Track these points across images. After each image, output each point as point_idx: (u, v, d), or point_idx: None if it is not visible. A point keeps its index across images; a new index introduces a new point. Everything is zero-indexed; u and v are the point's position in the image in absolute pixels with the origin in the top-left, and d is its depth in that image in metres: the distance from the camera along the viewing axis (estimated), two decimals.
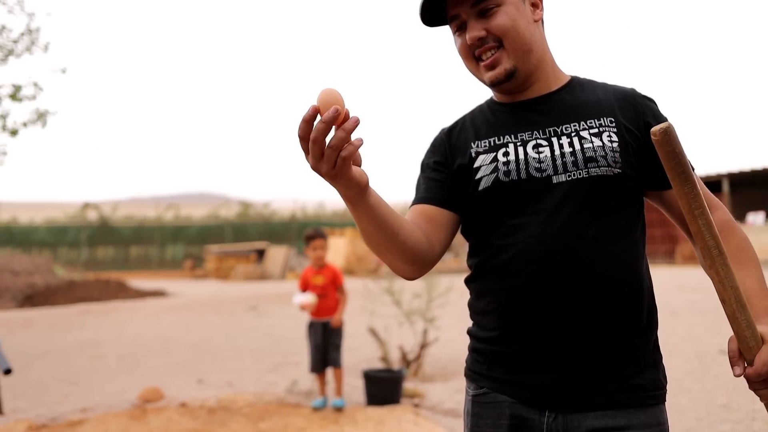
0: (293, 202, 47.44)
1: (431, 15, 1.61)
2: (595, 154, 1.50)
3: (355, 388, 6.28)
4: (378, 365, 6.80)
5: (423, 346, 6.79)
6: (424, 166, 1.67)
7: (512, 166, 1.52)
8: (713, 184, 25.45)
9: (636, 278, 1.50)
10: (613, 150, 1.50)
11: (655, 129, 1.31)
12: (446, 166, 1.62)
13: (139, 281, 24.86)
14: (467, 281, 1.66)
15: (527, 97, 1.62)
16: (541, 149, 1.53)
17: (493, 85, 1.58)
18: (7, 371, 4.71)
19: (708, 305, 10.58)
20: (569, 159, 1.50)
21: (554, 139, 1.54)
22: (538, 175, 1.50)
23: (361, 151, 1.24)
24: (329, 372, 6.09)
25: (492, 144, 1.58)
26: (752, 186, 26.36)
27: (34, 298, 18.23)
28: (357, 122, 1.15)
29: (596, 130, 1.53)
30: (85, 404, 6.03)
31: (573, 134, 1.54)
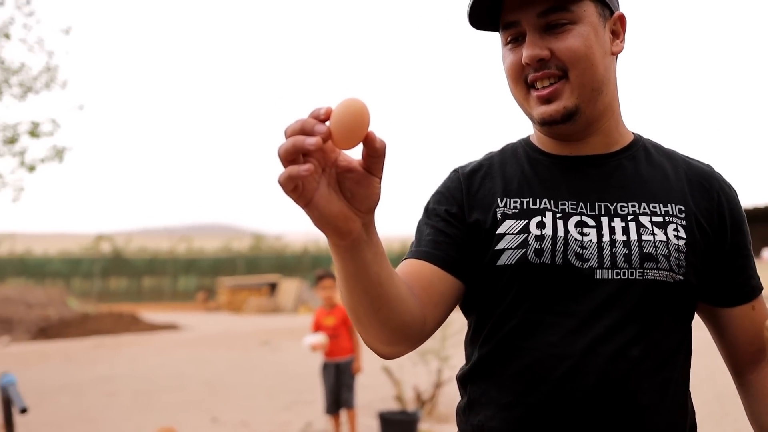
0: (305, 234, 47.46)
1: (482, 15, 1.25)
2: (656, 251, 1.17)
3: (369, 428, 6.24)
4: (392, 404, 6.77)
5: (437, 385, 6.76)
6: (431, 212, 1.29)
7: (547, 244, 1.18)
8: None
9: (682, 412, 1.21)
10: (678, 249, 1.18)
11: None
12: (461, 220, 1.26)
13: (151, 313, 24.89)
14: (460, 380, 1.32)
15: (579, 152, 1.27)
16: (586, 230, 1.19)
17: (543, 123, 1.22)
18: (23, 410, 4.74)
19: None
20: (620, 251, 1.17)
21: (604, 220, 1.20)
22: (578, 263, 1.16)
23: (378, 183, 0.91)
24: (343, 412, 6.07)
25: (524, 207, 1.22)
26: (767, 221, 26.17)
27: (47, 330, 18.26)
28: (324, 119, 0.85)
29: (660, 219, 1.21)
30: None
31: (630, 218, 1.20)
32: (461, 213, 1.26)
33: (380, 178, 0.90)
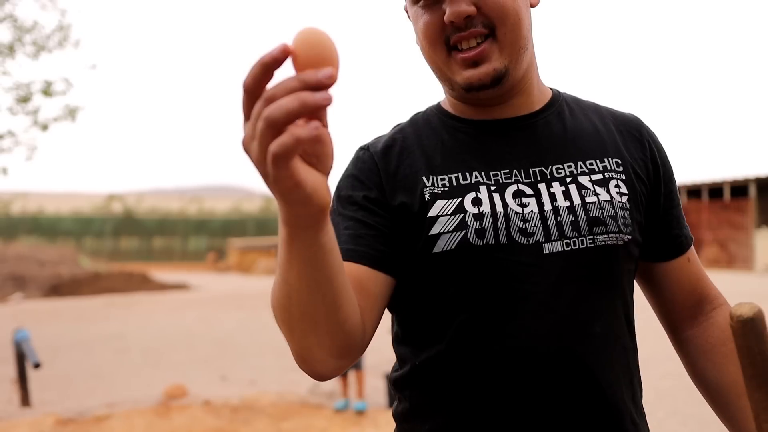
0: None
1: None
2: (602, 213, 1.06)
3: (376, 389, 6.32)
4: None
5: None
6: (345, 200, 1.09)
7: (487, 222, 1.04)
8: (740, 188, 25.14)
9: (636, 378, 1.13)
10: (623, 207, 1.09)
11: (736, 313, 0.94)
12: (382, 205, 1.08)
13: (162, 273, 25.13)
14: (396, 384, 1.15)
15: (502, 116, 1.13)
16: (524, 200, 1.07)
17: (470, 89, 1.07)
18: (37, 365, 4.83)
19: None
20: (566, 218, 1.06)
21: (542, 186, 1.08)
22: (523, 239, 1.04)
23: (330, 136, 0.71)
24: (351, 373, 6.15)
25: (454, 184, 1.08)
26: None
27: (59, 288, 18.52)
28: (333, 78, 0.65)
29: (600, 177, 1.10)
30: (111, 399, 6.14)
31: (569, 180, 1.09)
32: (382, 197, 1.08)
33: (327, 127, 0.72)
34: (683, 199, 26.55)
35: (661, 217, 1.17)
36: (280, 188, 0.70)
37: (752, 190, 24.49)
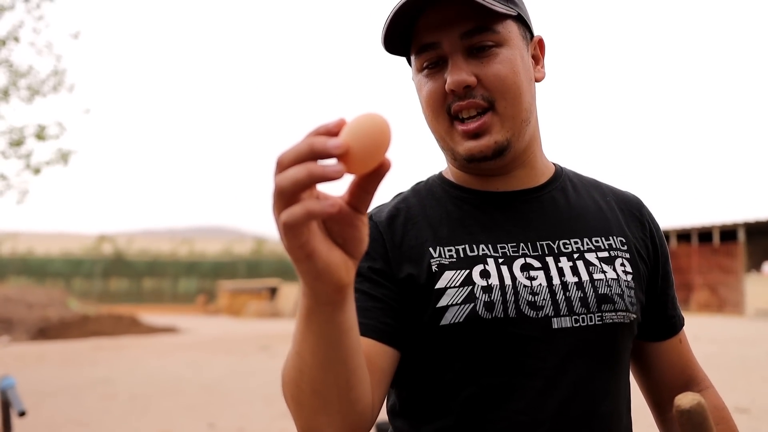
0: None
1: (397, 38, 1.09)
2: (610, 291, 1.06)
3: None
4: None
5: None
6: None
7: (496, 294, 1.02)
8: (729, 233, 25.30)
9: None
10: (628, 286, 1.09)
11: (677, 404, 0.95)
12: (388, 277, 1.05)
13: (151, 316, 24.92)
14: None
15: (506, 188, 1.13)
16: (533, 272, 1.05)
17: (471, 160, 1.07)
18: (22, 413, 4.76)
19: (723, 359, 10.46)
20: (575, 294, 1.04)
21: (550, 260, 1.07)
22: (533, 313, 1.02)
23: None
24: None
25: (462, 256, 1.06)
26: None
27: (47, 331, 18.31)
28: (341, 148, 0.62)
29: (606, 254, 1.10)
30: None
31: (576, 256, 1.09)
32: (387, 268, 1.06)
33: (365, 215, 0.71)
34: (673, 243, 26.67)
35: (657, 297, 1.18)
36: (291, 257, 0.68)
37: (741, 235, 24.65)
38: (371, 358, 0.97)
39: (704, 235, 26.20)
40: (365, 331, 0.98)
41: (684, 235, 27.09)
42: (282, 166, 0.63)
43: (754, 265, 24.75)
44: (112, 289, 37.79)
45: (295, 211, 0.62)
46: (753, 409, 6.64)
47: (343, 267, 0.70)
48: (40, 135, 10.16)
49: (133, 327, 19.55)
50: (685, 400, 0.95)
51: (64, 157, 10.39)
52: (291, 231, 0.63)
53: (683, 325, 1.24)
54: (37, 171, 10.32)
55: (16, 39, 10.34)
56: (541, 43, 1.15)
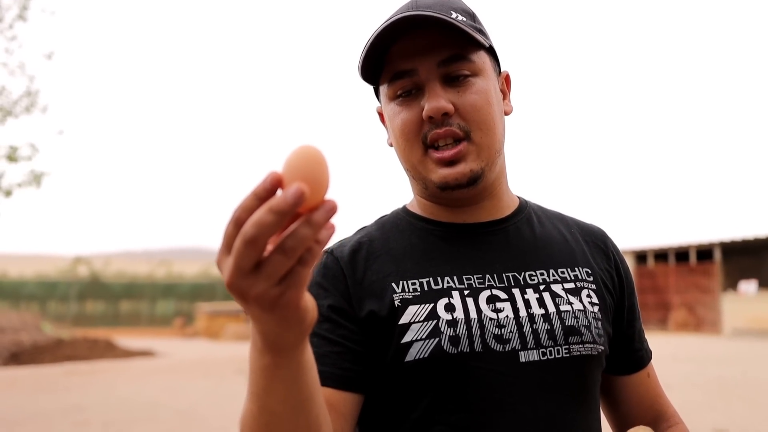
0: None
1: (374, 67, 1.07)
2: (577, 322, 1.04)
3: None
4: None
5: None
6: None
7: (461, 329, 0.99)
8: (705, 252, 25.56)
9: None
10: (595, 317, 1.08)
11: None
12: (347, 315, 1.02)
13: (128, 339, 24.57)
14: None
15: (473, 219, 1.12)
16: (499, 304, 1.03)
17: (445, 188, 1.06)
18: None
19: (701, 378, 10.50)
20: (542, 326, 1.03)
21: (516, 291, 1.05)
22: (499, 347, 1.00)
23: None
24: None
25: (426, 289, 1.03)
26: (744, 254, 26.46)
27: (19, 356, 17.95)
28: (334, 210, 0.61)
29: (572, 285, 1.09)
30: None
31: (542, 287, 1.07)
32: (348, 306, 1.03)
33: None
34: (650, 263, 26.88)
35: (623, 330, 1.17)
36: (284, 315, 0.65)
37: (717, 254, 24.91)
38: (333, 405, 0.95)
39: (681, 254, 26.45)
40: (324, 380, 0.93)
41: (661, 255, 27.32)
42: (240, 221, 0.61)
43: (731, 285, 24.98)
44: (87, 312, 37.24)
45: (230, 270, 0.62)
46: (732, 429, 6.63)
47: (311, 309, 0.69)
48: (12, 156, 10.04)
49: (108, 351, 19.22)
50: None
51: (36, 179, 10.27)
52: (233, 287, 0.63)
53: (650, 358, 1.22)
54: (8, 193, 10.18)
55: None
56: (507, 78, 1.17)
